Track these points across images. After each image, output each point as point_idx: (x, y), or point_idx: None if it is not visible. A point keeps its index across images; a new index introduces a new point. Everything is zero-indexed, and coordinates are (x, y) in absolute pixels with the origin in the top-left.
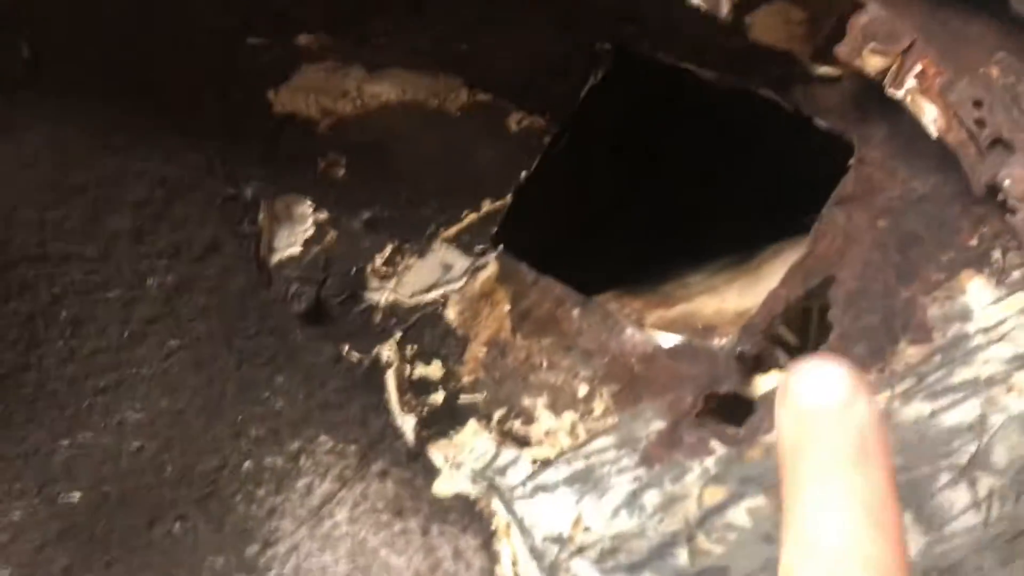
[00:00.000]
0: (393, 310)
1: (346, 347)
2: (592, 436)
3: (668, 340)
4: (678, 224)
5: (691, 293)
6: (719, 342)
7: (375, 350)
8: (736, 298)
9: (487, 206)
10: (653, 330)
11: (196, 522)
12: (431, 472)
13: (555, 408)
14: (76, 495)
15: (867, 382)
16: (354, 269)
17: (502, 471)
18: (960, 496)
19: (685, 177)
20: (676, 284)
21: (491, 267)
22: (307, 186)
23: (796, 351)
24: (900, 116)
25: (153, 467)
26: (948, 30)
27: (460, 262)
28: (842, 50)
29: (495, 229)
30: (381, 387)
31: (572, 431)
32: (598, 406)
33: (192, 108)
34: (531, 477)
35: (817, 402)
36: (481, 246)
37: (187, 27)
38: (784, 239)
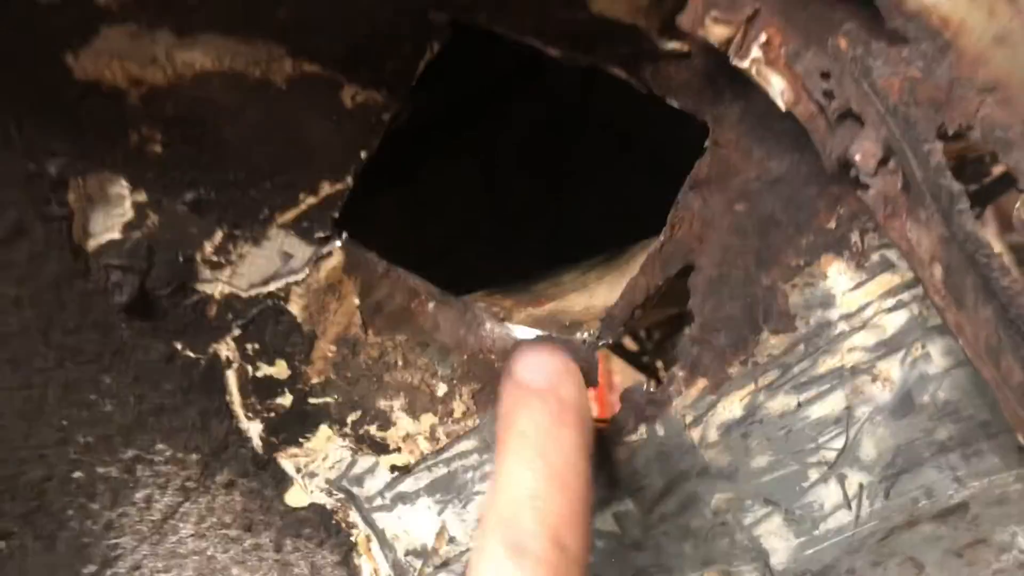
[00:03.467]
0: (229, 303)
1: (179, 344)
2: (453, 440)
3: (528, 334)
4: (558, 223)
5: (563, 291)
6: (580, 336)
7: (212, 348)
8: (605, 294)
9: (326, 189)
10: (513, 324)
11: (24, 540)
12: (282, 482)
13: (413, 410)
14: None
15: (576, 370)
16: (181, 257)
17: (359, 480)
18: (830, 493)
19: (570, 175)
20: (549, 283)
21: (336, 256)
22: (120, 163)
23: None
24: (753, 94)
25: None
26: (809, 8)
27: (301, 251)
28: (684, 19)
29: (337, 214)
30: (222, 389)
31: (432, 435)
32: (458, 407)
33: None
34: (390, 486)
35: (529, 378)
36: (323, 233)
37: None
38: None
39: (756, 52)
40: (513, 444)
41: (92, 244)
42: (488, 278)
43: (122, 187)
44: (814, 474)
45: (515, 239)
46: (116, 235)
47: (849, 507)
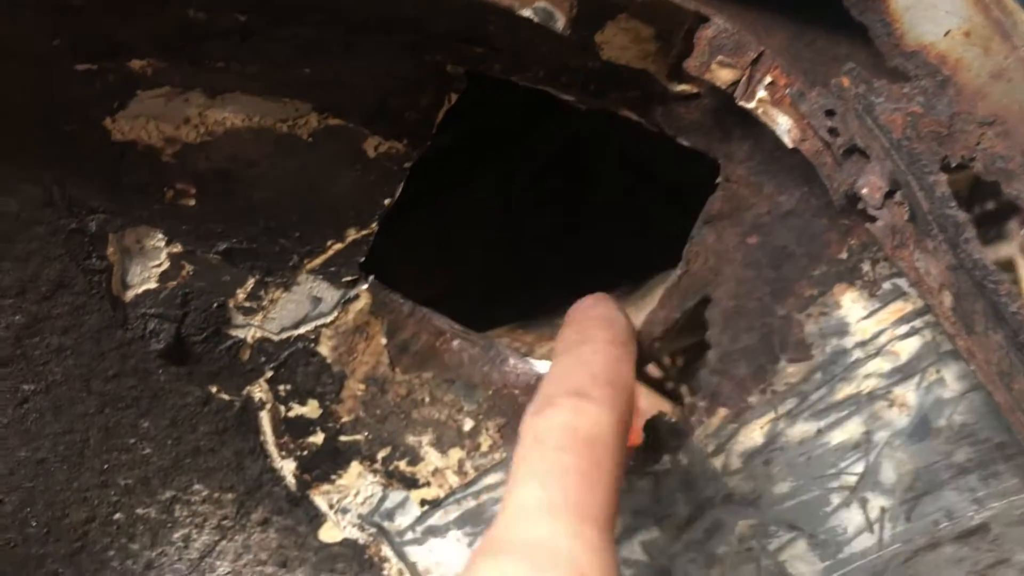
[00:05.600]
0: (261, 347)
1: (214, 388)
2: (481, 473)
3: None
4: (581, 254)
5: None
6: None
7: (246, 390)
8: None
9: (352, 235)
10: (536, 359)
11: None
12: (315, 518)
13: (441, 445)
14: None
15: (628, 320)
16: (215, 304)
17: (390, 515)
18: (853, 518)
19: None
20: None
21: (363, 299)
22: (156, 217)
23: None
24: (761, 131)
25: (16, 522)
26: (814, 49)
27: (329, 294)
28: (691, 64)
29: (363, 259)
30: (256, 429)
31: (460, 469)
32: (484, 441)
33: (22, 138)
34: (420, 520)
35: (591, 305)
36: (350, 277)
37: (8, 53)
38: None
39: (762, 93)
40: (573, 339)
41: (130, 295)
42: (510, 309)
43: (158, 240)
44: (836, 499)
45: (535, 270)
46: (152, 285)
47: (872, 530)
